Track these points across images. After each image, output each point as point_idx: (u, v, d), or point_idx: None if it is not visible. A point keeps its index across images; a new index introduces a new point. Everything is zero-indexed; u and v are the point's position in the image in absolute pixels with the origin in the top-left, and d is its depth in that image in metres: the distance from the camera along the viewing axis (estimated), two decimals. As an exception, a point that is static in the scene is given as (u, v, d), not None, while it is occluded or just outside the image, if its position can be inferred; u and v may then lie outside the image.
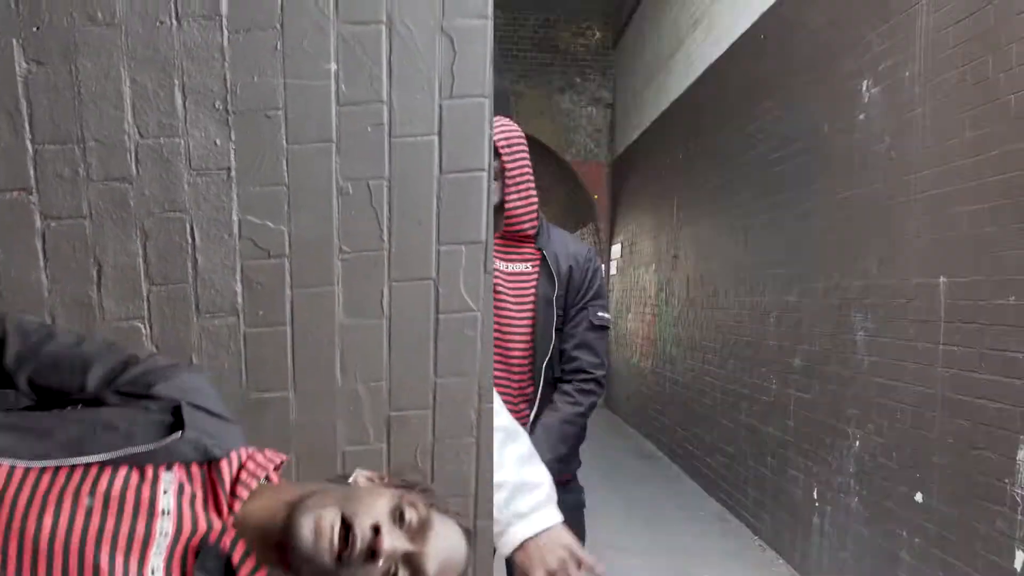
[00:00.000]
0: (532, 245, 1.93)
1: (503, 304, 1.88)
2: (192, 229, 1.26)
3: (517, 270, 1.93)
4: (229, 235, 1.27)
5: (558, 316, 1.92)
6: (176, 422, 0.94)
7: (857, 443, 3.63)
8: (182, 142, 1.25)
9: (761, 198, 4.92)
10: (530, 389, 1.92)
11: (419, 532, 0.91)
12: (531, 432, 1.88)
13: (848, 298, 3.75)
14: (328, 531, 0.85)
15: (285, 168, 1.27)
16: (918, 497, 3.11)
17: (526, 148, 1.95)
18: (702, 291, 6.21)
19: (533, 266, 1.93)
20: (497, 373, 1.75)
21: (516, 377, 1.90)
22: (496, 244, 1.90)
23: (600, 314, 1.98)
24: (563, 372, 1.96)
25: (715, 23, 5.99)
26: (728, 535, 4.93)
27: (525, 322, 1.90)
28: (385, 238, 1.31)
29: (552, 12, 9.71)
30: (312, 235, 1.29)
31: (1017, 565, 2.54)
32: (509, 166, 1.90)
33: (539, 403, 1.91)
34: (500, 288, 1.88)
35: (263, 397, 1.31)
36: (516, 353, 1.89)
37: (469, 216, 1.34)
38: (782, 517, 4.46)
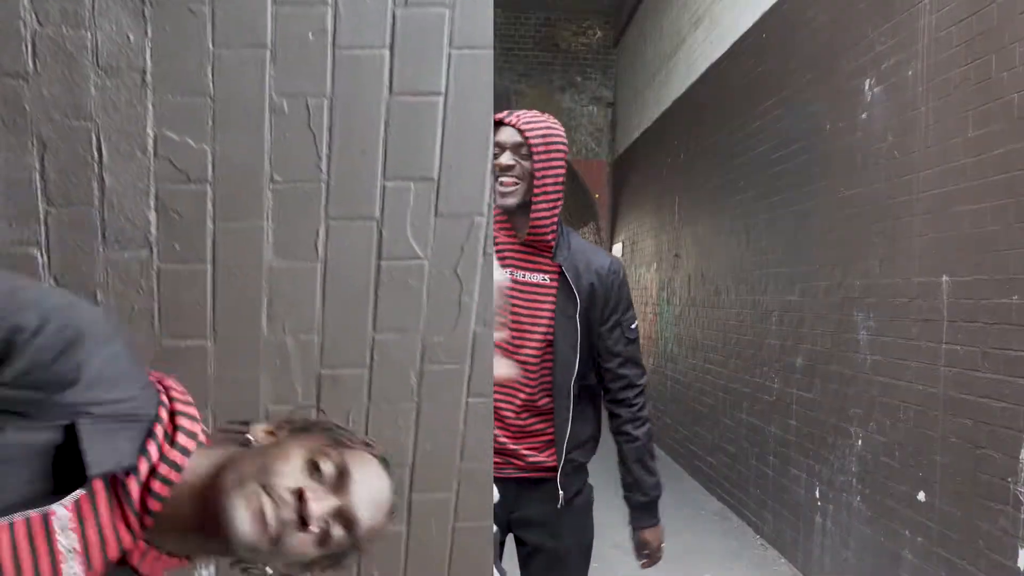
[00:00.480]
0: (550, 255, 1.85)
1: (517, 315, 1.82)
2: (99, 141, 1.07)
3: (534, 281, 1.86)
4: (143, 152, 1.08)
5: (582, 332, 1.85)
6: (70, 432, 0.76)
7: (859, 442, 3.63)
8: (89, 35, 1.04)
9: (763, 197, 4.92)
10: (542, 401, 1.87)
11: (340, 482, 0.83)
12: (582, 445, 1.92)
13: (850, 297, 3.75)
14: (262, 515, 0.78)
15: (210, 76, 1.08)
16: (921, 496, 3.11)
17: (564, 152, 1.83)
18: (703, 290, 6.21)
19: (551, 279, 1.86)
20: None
21: (524, 385, 1.85)
22: (515, 252, 1.85)
23: (632, 326, 1.96)
24: (612, 390, 1.95)
25: (717, 22, 5.98)
26: (730, 534, 4.93)
27: (538, 334, 1.85)
28: (323, 167, 1.14)
29: (553, 11, 9.70)
30: (239, 159, 1.11)
31: (1020, 564, 2.54)
32: (541, 168, 1.79)
33: (572, 420, 1.87)
34: (515, 298, 1.83)
35: (177, 345, 1.14)
36: (527, 364, 1.84)
37: (421, 148, 1.15)
38: (784, 516, 4.46)
